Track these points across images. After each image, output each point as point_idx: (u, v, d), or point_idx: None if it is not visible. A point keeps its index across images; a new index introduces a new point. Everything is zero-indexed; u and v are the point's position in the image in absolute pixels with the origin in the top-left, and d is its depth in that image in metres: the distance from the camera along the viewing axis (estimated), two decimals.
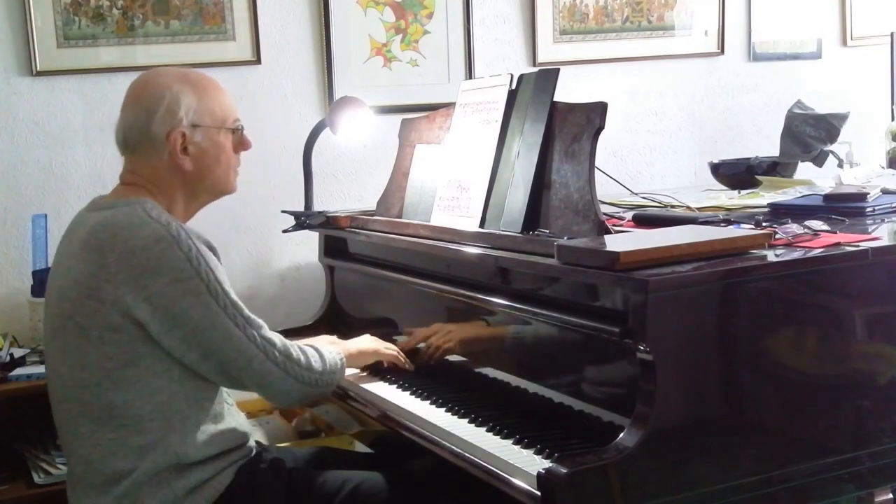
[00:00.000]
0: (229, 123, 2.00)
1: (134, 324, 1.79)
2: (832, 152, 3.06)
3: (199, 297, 1.80)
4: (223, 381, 1.91)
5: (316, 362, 1.97)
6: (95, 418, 1.83)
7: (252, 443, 2.02)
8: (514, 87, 2.25)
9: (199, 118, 1.94)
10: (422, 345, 2.32)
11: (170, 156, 1.92)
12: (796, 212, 2.22)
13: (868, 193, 2.32)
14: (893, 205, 2.30)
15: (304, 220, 2.72)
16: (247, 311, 1.88)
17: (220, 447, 1.90)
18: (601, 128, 1.98)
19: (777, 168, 2.95)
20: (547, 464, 1.64)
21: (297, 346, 1.96)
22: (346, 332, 2.58)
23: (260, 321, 1.91)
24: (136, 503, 1.82)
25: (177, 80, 1.95)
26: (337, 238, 2.75)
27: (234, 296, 1.87)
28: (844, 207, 2.23)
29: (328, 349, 2.06)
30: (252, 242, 3.16)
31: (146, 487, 1.82)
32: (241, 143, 2.04)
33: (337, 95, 3.11)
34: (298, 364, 1.93)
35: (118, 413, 1.81)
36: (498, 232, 2.09)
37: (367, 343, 2.31)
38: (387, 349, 2.31)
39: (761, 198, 2.52)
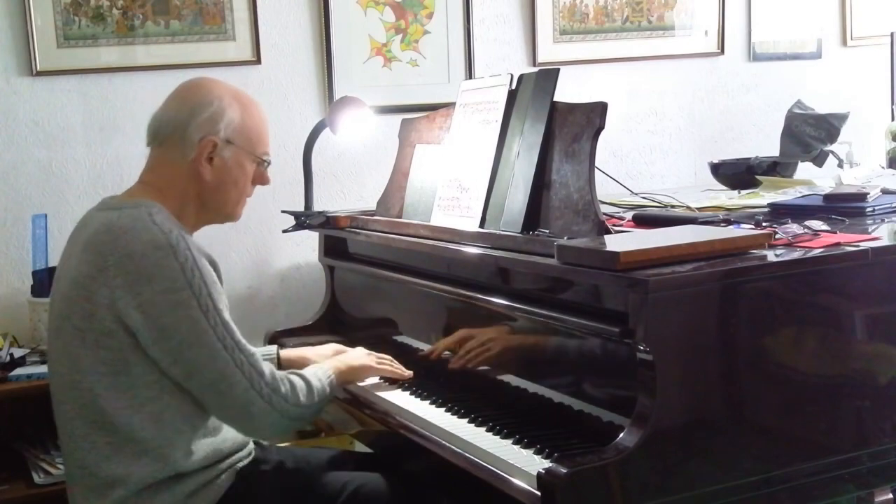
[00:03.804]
0: (259, 153, 2.00)
1: (125, 330, 1.78)
2: (832, 152, 3.07)
3: (188, 310, 1.77)
4: (207, 405, 1.85)
5: (304, 395, 1.91)
6: (91, 422, 1.81)
7: (252, 445, 2.02)
8: (514, 87, 2.25)
9: (235, 136, 1.94)
10: (429, 350, 2.32)
11: (194, 160, 1.91)
12: (796, 212, 2.22)
13: (868, 193, 2.32)
14: (893, 205, 2.30)
15: (304, 220, 2.72)
16: (238, 335, 1.83)
17: (218, 456, 1.89)
18: (601, 128, 1.98)
19: (777, 168, 2.95)
20: (547, 464, 1.64)
21: (285, 379, 1.89)
22: (346, 332, 2.58)
23: (251, 349, 1.85)
24: None
25: (229, 93, 1.97)
26: (337, 238, 2.75)
27: (226, 316, 1.83)
28: (844, 207, 2.23)
29: (317, 374, 1.99)
30: (252, 242, 3.16)
31: (145, 492, 1.81)
32: (260, 177, 2.04)
33: (337, 95, 3.11)
34: (286, 399, 1.87)
35: (110, 419, 1.80)
36: (498, 232, 2.09)
37: (359, 359, 2.21)
38: (380, 364, 2.23)
39: (761, 198, 2.52)
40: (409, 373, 2.24)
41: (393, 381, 2.24)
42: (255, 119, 1.99)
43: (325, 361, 2.14)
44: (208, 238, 2.02)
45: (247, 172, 1.99)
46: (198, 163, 1.92)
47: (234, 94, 1.98)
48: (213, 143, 1.92)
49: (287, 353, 2.26)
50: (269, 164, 2.04)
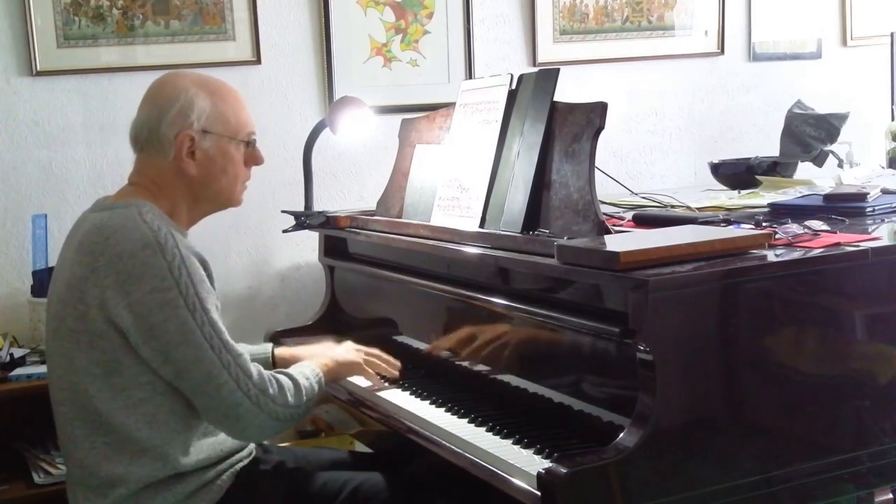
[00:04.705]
0: (242, 135, 1.96)
1: (116, 331, 1.77)
2: (832, 152, 3.07)
3: (175, 309, 1.75)
4: (197, 406, 1.82)
5: (292, 395, 1.87)
6: (89, 422, 1.81)
7: (252, 445, 2.01)
8: (514, 87, 2.25)
9: (210, 125, 1.91)
10: (426, 349, 2.32)
11: (175, 158, 1.89)
12: (796, 212, 2.22)
13: (868, 193, 2.32)
14: (893, 205, 2.30)
15: (304, 220, 2.72)
16: (226, 336, 1.80)
17: (218, 456, 1.89)
18: (601, 128, 1.98)
19: (777, 168, 2.95)
20: (547, 464, 1.64)
21: (273, 379, 1.86)
22: (346, 332, 2.58)
23: (239, 349, 1.82)
24: None
25: (195, 84, 1.92)
26: (337, 238, 2.75)
27: (214, 316, 1.80)
28: (844, 207, 2.23)
29: (304, 372, 1.96)
30: (252, 242, 3.16)
31: (145, 492, 1.80)
32: (252, 158, 2.00)
33: (337, 95, 3.11)
34: (274, 400, 1.83)
35: (107, 420, 1.79)
36: (498, 232, 2.09)
37: (348, 355, 2.18)
38: (368, 359, 2.20)
39: (761, 198, 2.52)
40: (397, 363, 2.23)
41: (392, 381, 2.23)
42: (227, 102, 1.94)
43: (312, 358, 2.09)
44: (209, 238, 2.02)
45: (233, 158, 1.95)
46: (179, 160, 1.89)
47: (201, 83, 1.93)
48: (190, 138, 1.89)
49: (281, 351, 2.25)
50: (255, 142, 1.99)
